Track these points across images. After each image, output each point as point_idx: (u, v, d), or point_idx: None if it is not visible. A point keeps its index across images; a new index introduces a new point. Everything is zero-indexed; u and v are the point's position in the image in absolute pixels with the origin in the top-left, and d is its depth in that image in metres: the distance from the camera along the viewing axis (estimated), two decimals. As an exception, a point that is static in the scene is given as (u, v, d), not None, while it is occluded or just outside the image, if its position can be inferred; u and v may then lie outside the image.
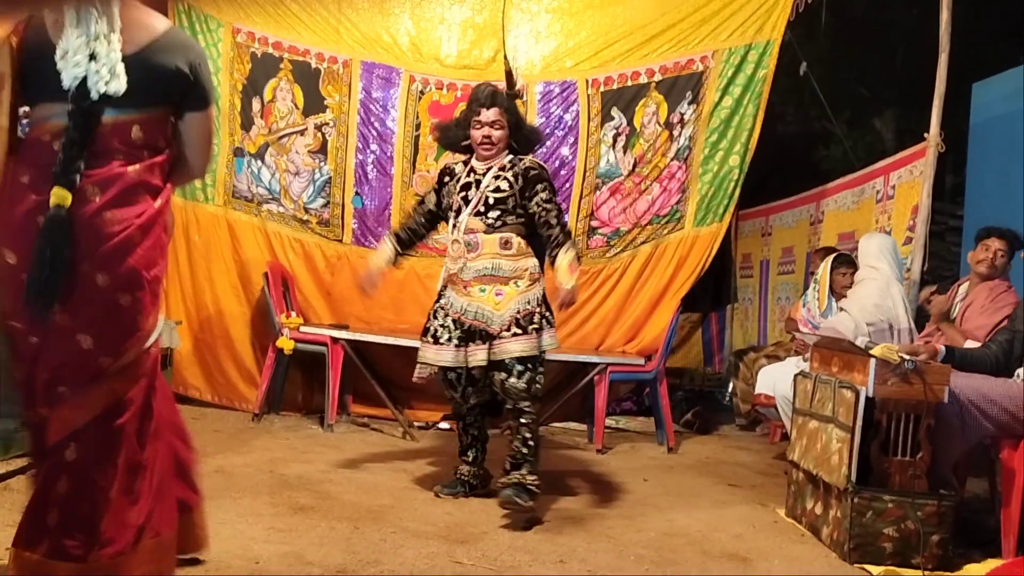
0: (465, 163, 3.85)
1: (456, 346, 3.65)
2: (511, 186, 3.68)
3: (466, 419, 3.92)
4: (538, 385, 3.66)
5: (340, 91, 5.92)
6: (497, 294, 3.64)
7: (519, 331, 3.58)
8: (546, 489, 4.05)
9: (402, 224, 4.15)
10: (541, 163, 3.84)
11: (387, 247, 3.95)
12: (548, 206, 3.66)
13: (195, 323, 5.73)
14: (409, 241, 3.99)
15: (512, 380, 3.59)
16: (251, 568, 2.72)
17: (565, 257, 3.55)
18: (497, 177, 3.70)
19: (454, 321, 3.67)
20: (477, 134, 3.73)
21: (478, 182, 3.73)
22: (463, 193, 3.74)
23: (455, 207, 3.76)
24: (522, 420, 3.65)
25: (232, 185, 5.86)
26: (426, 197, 4.01)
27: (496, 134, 3.72)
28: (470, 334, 3.64)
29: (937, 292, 4.48)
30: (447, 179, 3.88)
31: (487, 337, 3.61)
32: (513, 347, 3.58)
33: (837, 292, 5.33)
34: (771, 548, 3.43)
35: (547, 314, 3.70)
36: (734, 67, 5.81)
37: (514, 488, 3.52)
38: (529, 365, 3.60)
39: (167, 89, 2.13)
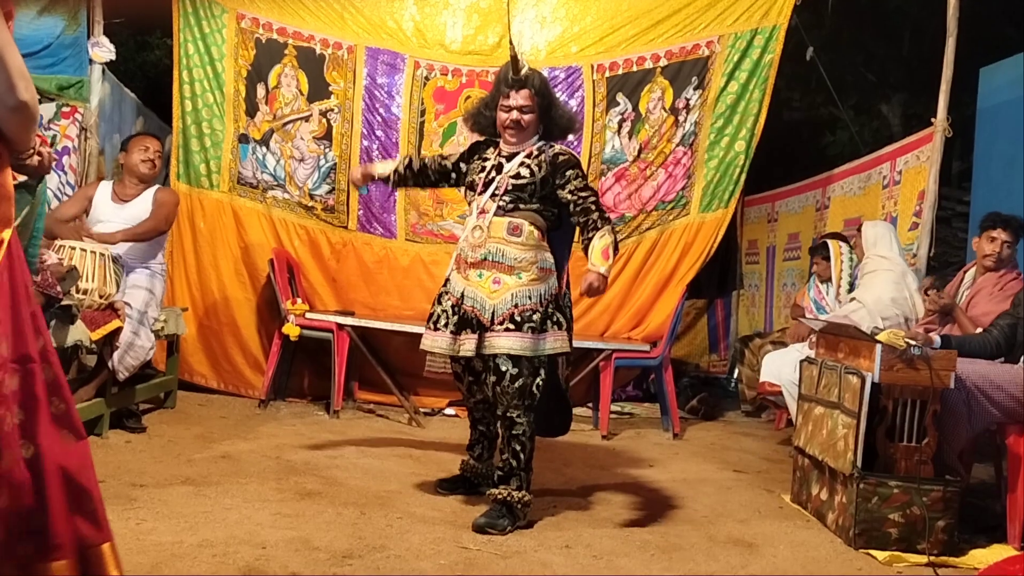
0: (496, 144, 3.60)
1: (452, 333, 3.41)
2: (533, 174, 3.40)
3: (474, 413, 3.74)
4: (535, 393, 3.35)
5: (345, 77, 5.91)
6: (495, 282, 3.36)
7: (512, 327, 3.29)
8: (552, 475, 4.07)
9: (420, 158, 3.88)
10: (571, 150, 3.56)
11: (394, 163, 3.82)
12: (584, 193, 3.38)
13: (200, 310, 5.74)
14: (413, 170, 3.75)
15: (504, 383, 3.30)
16: (258, 553, 2.74)
17: (601, 241, 3.28)
18: (522, 164, 3.43)
19: (453, 306, 3.43)
20: (504, 117, 3.46)
21: (501, 166, 3.48)
22: (485, 175, 3.50)
23: (477, 187, 3.51)
24: (513, 431, 3.34)
25: (237, 172, 5.85)
26: (450, 154, 3.76)
27: (525, 118, 3.44)
28: (466, 321, 3.38)
29: (934, 286, 4.42)
30: (475, 155, 3.64)
31: (480, 327, 3.35)
32: (501, 343, 3.29)
33: (821, 278, 5.71)
34: (776, 533, 3.44)
35: (556, 316, 3.40)
36: (740, 52, 5.80)
37: (491, 514, 3.24)
38: (523, 368, 3.30)
39: None
